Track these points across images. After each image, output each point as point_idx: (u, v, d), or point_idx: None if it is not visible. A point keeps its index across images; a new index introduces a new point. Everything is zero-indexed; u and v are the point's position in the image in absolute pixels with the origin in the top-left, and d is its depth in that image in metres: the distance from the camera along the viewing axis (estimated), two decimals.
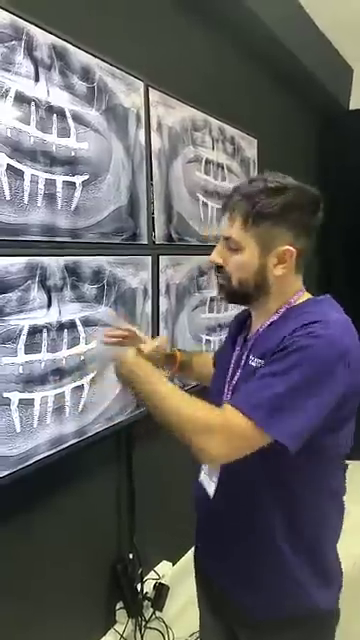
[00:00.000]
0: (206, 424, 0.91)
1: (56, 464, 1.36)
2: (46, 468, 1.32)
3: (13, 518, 1.31)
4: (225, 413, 0.91)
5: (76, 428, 1.42)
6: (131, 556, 1.77)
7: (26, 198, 1.21)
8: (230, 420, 0.89)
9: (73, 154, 1.35)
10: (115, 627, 1.75)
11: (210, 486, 1.05)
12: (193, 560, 1.23)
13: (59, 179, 1.31)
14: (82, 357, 1.42)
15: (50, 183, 1.28)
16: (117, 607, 1.76)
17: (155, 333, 1.76)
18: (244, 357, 1.03)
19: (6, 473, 1.20)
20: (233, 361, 1.06)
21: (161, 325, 1.79)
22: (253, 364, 0.98)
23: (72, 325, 1.38)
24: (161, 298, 1.79)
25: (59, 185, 1.31)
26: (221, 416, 0.91)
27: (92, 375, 1.47)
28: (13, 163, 1.17)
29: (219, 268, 1.03)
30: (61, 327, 1.33)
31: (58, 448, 1.36)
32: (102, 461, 1.64)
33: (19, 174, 1.19)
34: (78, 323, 1.40)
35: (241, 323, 1.14)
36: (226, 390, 1.05)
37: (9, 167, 1.16)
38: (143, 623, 1.82)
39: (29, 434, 1.26)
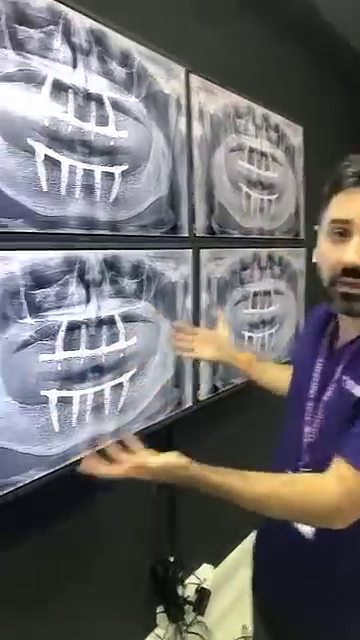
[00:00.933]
0: (323, 508, 0.80)
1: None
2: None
3: (52, 520, 1.28)
4: (341, 479, 0.78)
5: (115, 427, 1.38)
6: (172, 559, 1.72)
7: (63, 190, 1.17)
8: (350, 487, 0.78)
9: (112, 143, 1.30)
10: (156, 631, 1.71)
11: (305, 526, 0.93)
12: (253, 588, 1.15)
13: (97, 169, 1.26)
14: (122, 354, 1.37)
15: (88, 174, 1.24)
16: (158, 610, 1.72)
17: None
18: (336, 373, 0.90)
19: (45, 473, 1.17)
20: (318, 373, 0.94)
21: (202, 321, 1.72)
22: (349, 388, 0.86)
23: (111, 321, 1.33)
24: (202, 293, 1.72)
25: (97, 176, 1.26)
26: (334, 485, 0.79)
27: (132, 372, 1.42)
28: (50, 153, 1.13)
29: (352, 272, 0.84)
30: (100, 323, 1.29)
31: (97, 448, 1.32)
32: None
33: (56, 165, 1.15)
34: (117, 319, 1.35)
35: (322, 323, 1.01)
36: (311, 409, 0.94)
37: (46, 157, 1.12)
38: (184, 627, 1.77)
39: (68, 433, 1.23)
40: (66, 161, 1.17)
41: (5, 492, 1.08)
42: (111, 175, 1.31)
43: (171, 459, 0.90)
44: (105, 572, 1.49)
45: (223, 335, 1.38)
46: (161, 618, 1.73)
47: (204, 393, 1.77)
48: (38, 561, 1.26)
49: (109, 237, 1.31)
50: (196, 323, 1.69)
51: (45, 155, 1.12)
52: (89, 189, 1.24)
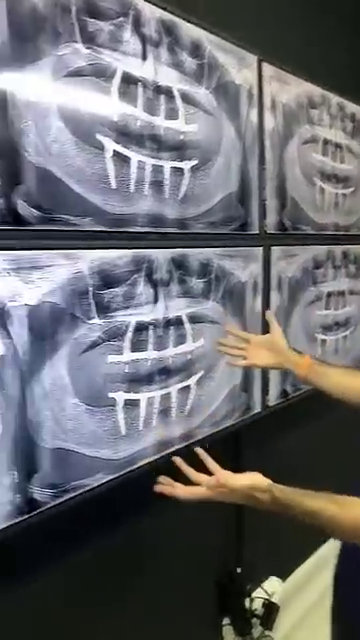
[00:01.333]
0: None
1: (161, 469, 1.27)
2: (150, 473, 1.24)
3: (117, 525, 1.25)
4: None
5: (182, 432, 1.33)
6: (239, 570, 1.65)
7: (132, 186, 1.14)
8: None
9: (181, 137, 1.25)
10: None
11: None
12: (333, 617, 1.06)
13: (167, 165, 1.22)
14: (189, 356, 1.32)
15: (157, 169, 1.19)
16: (224, 622, 1.66)
17: (266, 331, 1.61)
18: None
19: (111, 477, 1.14)
20: None
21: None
22: None
23: (179, 322, 1.28)
24: (272, 293, 1.64)
25: (166, 171, 1.22)
26: None
27: (199, 375, 1.37)
28: (119, 149, 1.10)
29: None
30: (167, 324, 1.25)
31: (164, 452, 1.28)
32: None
33: (125, 160, 1.12)
34: (185, 320, 1.30)
35: None
36: None
37: (115, 153, 1.09)
38: None
39: (135, 437, 1.19)
40: (135, 157, 1.14)
41: (72, 495, 1.06)
42: (180, 170, 1.26)
43: (256, 481, 0.83)
44: (170, 581, 1.44)
45: (279, 339, 1.27)
46: (227, 630, 1.66)
47: (273, 398, 1.69)
48: (101, 567, 1.23)
49: (177, 235, 1.27)
50: (265, 325, 1.60)
51: (114, 151, 1.09)
52: (158, 185, 1.20)
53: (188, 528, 1.49)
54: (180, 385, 1.31)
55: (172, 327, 1.26)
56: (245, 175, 1.48)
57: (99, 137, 1.06)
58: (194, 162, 1.29)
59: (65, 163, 0.99)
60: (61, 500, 1.04)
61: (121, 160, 1.11)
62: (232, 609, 1.65)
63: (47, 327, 0.98)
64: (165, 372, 1.26)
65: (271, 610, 1.77)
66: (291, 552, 2.00)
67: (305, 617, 1.96)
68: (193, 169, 1.29)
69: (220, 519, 1.64)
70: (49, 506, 1.01)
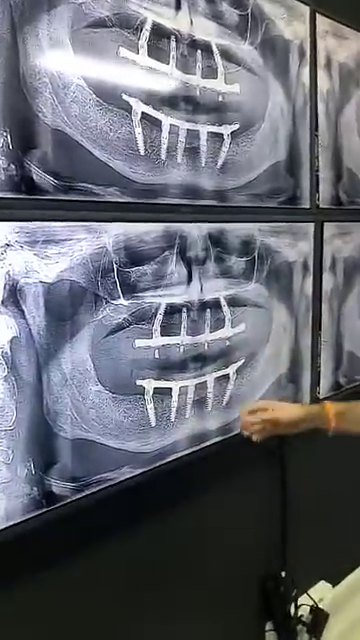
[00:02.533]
0: None
1: (196, 464, 1.18)
2: (184, 468, 1.15)
3: (146, 523, 1.16)
4: None
5: (220, 424, 1.22)
6: (283, 574, 1.53)
7: (164, 153, 1.03)
8: None
9: (221, 99, 1.13)
10: None
11: None
12: None
13: (203, 130, 1.10)
14: (227, 342, 1.21)
15: (192, 135, 1.08)
16: (267, 628, 1.55)
17: (317, 318, 1.46)
18: None
19: (139, 472, 1.05)
20: None
21: (324, 308, 1.49)
22: None
23: (216, 305, 1.17)
24: (325, 275, 1.48)
25: (203, 137, 1.10)
26: None
27: (239, 364, 1.25)
28: (149, 111, 0.99)
29: None
30: (203, 307, 1.14)
31: (199, 446, 1.17)
32: (250, 463, 1.42)
33: (156, 124, 1.01)
34: (223, 302, 1.18)
35: None
36: None
37: (144, 116, 0.98)
38: None
39: (165, 429, 1.10)
40: (167, 120, 1.02)
41: (95, 490, 0.98)
42: (219, 136, 1.14)
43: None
44: (208, 583, 1.35)
45: (283, 412, 1.04)
46: (270, 636, 1.55)
47: (324, 390, 1.54)
48: (129, 568, 1.15)
49: (215, 208, 1.15)
50: (316, 311, 1.46)
51: (142, 113, 0.98)
52: (193, 153, 1.08)
53: (227, 527, 1.39)
54: (217, 374, 1.20)
55: (208, 310, 1.15)
56: (295, 143, 1.33)
57: (125, 97, 0.95)
58: (235, 127, 1.16)
59: (86, 126, 0.90)
60: (82, 495, 0.96)
61: (151, 124, 1.00)
62: (276, 615, 1.54)
63: (66, 307, 0.90)
64: (200, 359, 1.15)
65: (319, 617, 1.64)
66: (343, 555, 1.85)
67: (356, 626, 1.81)
68: (234, 135, 1.17)
69: (264, 518, 1.52)
70: (69, 500, 0.94)
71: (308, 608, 1.63)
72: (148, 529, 1.17)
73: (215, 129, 1.12)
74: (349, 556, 1.90)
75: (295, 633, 1.56)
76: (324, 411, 1.00)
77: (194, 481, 1.25)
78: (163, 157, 1.03)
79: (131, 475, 1.04)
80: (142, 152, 0.99)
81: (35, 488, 0.89)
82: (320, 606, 1.66)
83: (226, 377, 1.22)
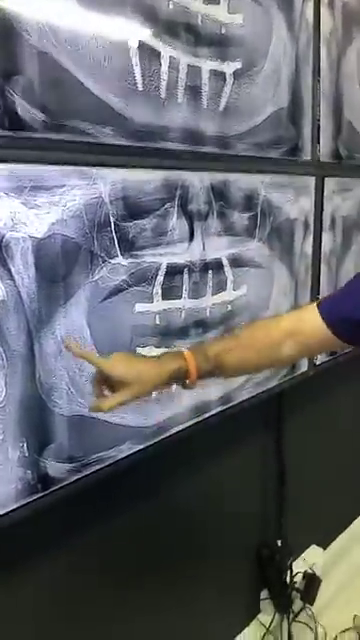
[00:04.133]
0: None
1: (196, 437, 1.10)
2: (185, 440, 1.07)
3: (148, 495, 1.09)
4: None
5: (221, 394, 1.14)
6: (279, 543, 1.50)
7: (163, 91, 0.90)
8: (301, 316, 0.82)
9: (223, 31, 1.00)
10: (259, 617, 1.53)
11: None
12: None
13: (205, 66, 0.97)
14: (229, 306, 1.12)
15: (193, 71, 0.95)
16: (262, 596, 1.53)
17: (316, 280, 1.38)
18: None
19: (141, 447, 0.97)
20: None
21: (323, 269, 1.41)
22: None
23: (218, 265, 1.07)
24: (324, 234, 1.40)
25: (205, 74, 0.97)
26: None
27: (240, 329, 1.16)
28: (146, 39, 0.85)
29: None
30: (205, 267, 1.04)
31: (200, 418, 1.09)
32: (248, 432, 1.36)
33: (154, 55, 0.87)
34: (225, 263, 1.09)
35: None
36: None
37: (141, 45, 0.85)
38: (291, 616, 1.56)
39: (167, 400, 1.01)
40: (166, 51, 0.89)
41: (94, 469, 0.89)
42: (221, 75, 1.01)
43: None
44: (205, 552, 1.30)
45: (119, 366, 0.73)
46: (265, 604, 1.53)
47: (321, 357, 1.48)
48: (133, 540, 1.08)
49: (217, 156, 1.03)
50: (316, 272, 1.38)
51: (140, 42, 0.85)
52: (195, 92, 0.96)
53: (225, 496, 1.34)
54: None
55: (210, 271, 1.05)
56: (297, 87, 1.22)
57: (120, 21, 0.81)
58: (238, 65, 1.04)
59: (78, 53, 0.76)
60: (81, 475, 0.87)
61: (149, 54, 0.86)
62: (271, 583, 1.51)
63: (59, 266, 0.78)
64: (201, 324, 1.05)
65: (312, 583, 1.63)
66: (332, 518, 1.85)
67: (345, 588, 1.82)
68: (237, 74, 1.04)
69: (260, 487, 1.48)
70: (67, 483, 0.85)
71: (301, 574, 1.62)
72: (149, 505, 1.09)
73: (217, 66, 0.99)
74: (338, 519, 1.91)
75: (290, 601, 1.55)
76: (184, 365, 0.75)
77: (194, 453, 1.18)
78: (163, 95, 0.90)
79: (131, 451, 0.95)
80: (140, 87, 0.86)
81: (29, 471, 0.79)
82: (313, 571, 1.65)
83: None
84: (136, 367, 0.73)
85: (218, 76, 1.00)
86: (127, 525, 1.05)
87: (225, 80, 1.02)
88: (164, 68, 0.89)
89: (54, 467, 0.83)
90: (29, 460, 0.79)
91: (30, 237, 0.73)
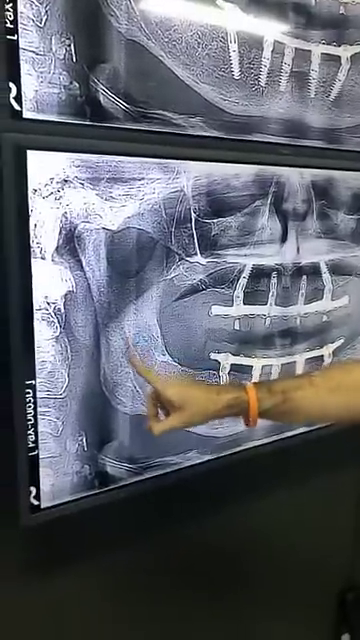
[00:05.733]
0: None
1: (276, 454, 1.01)
2: (262, 458, 0.99)
3: (212, 515, 1.03)
4: None
5: None
6: None
7: (264, 78, 0.83)
8: None
9: (342, 11, 0.89)
10: None
11: None
12: None
13: (316, 50, 0.88)
14: (325, 317, 1.01)
15: (302, 56, 0.86)
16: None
17: None
18: None
19: (208, 458, 0.91)
20: None
21: None
22: None
23: (315, 271, 0.97)
24: None
25: (315, 59, 0.88)
26: None
27: (337, 344, 1.05)
28: (246, 21, 0.79)
29: None
30: (298, 272, 0.94)
31: (281, 435, 1.00)
32: (340, 458, 1.23)
33: (255, 39, 0.81)
34: (323, 269, 0.98)
35: None
36: None
37: (241, 29, 0.79)
38: None
39: None
40: (270, 34, 0.82)
41: (156, 474, 0.85)
42: (336, 59, 0.91)
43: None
44: (278, 586, 1.20)
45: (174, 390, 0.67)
46: None
47: None
48: (193, 558, 1.03)
49: (324, 151, 0.93)
50: None
51: (239, 26, 0.78)
52: (301, 79, 0.87)
53: (306, 528, 1.22)
54: (309, 354, 1.00)
55: (304, 277, 0.95)
56: None
57: (218, 1, 0.76)
58: (358, 48, 0.93)
59: (167, 38, 0.72)
60: (141, 478, 0.84)
61: (249, 39, 0.80)
62: (354, 630, 1.36)
63: (132, 261, 0.76)
64: (290, 335, 0.96)
65: None
66: None
67: None
68: (355, 59, 0.93)
69: (351, 522, 1.33)
70: (125, 483, 0.82)
71: None
72: (214, 522, 1.03)
73: (331, 50, 0.89)
74: None
75: None
76: (244, 396, 0.65)
77: (271, 474, 1.09)
78: (262, 83, 0.83)
79: (199, 461, 0.90)
80: (237, 75, 0.80)
81: (87, 466, 0.78)
82: None
83: (320, 359, 1.02)
84: (189, 392, 0.66)
85: (332, 61, 0.90)
86: (189, 541, 1.00)
87: (340, 65, 0.91)
88: (266, 53, 0.82)
89: (113, 465, 0.81)
90: (88, 455, 0.78)
91: (104, 229, 0.72)
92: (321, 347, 1.02)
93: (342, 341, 1.05)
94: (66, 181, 0.68)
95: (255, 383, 0.67)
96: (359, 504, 1.33)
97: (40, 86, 0.64)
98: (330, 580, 1.32)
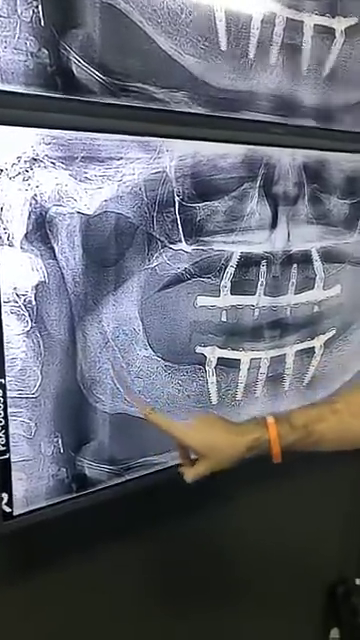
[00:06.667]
0: None
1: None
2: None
3: (204, 510, 0.99)
4: None
5: (298, 407, 0.99)
6: (358, 582, 1.32)
7: (252, 50, 0.77)
8: None
9: None
10: None
11: None
12: None
13: (309, 21, 0.82)
14: (317, 307, 0.96)
15: (293, 27, 0.80)
16: (332, 635, 1.36)
17: None
18: None
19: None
20: None
21: None
22: None
23: (306, 259, 0.92)
24: None
25: (308, 31, 0.82)
26: None
27: (329, 335, 1.00)
28: None
29: None
30: (289, 260, 0.89)
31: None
32: (330, 453, 1.19)
33: (243, 8, 0.74)
34: (315, 257, 0.93)
35: None
36: None
37: None
38: None
39: (230, 407, 0.89)
40: (260, 2, 0.76)
41: (139, 475, 0.81)
42: (330, 32, 0.85)
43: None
44: (269, 581, 1.17)
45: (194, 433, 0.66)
46: None
47: None
48: (184, 560, 0.99)
49: (317, 131, 0.88)
50: None
51: None
52: (293, 52, 0.81)
53: (298, 524, 1.19)
54: (300, 346, 0.96)
55: (295, 265, 0.90)
56: None
57: None
58: (353, 20, 0.87)
59: (147, 2, 0.66)
60: (123, 480, 0.79)
61: (237, 8, 0.74)
62: (343, 623, 1.34)
63: (110, 248, 0.70)
64: (280, 326, 0.92)
65: None
66: None
67: None
68: (350, 31, 0.87)
69: (342, 517, 1.31)
70: (106, 486, 0.77)
71: None
72: (201, 521, 0.99)
73: (325, 21, 0.83)
74: None
75: None
76: (265, 435, 0.64)
77: (262, 471, 1.05)
78: (251, 56, 0.77)
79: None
80: (224, 46, 0.74)
81: (64, 469, 0.73)
82: None
83: (311, 351, 0.98)
84: (211, 439, 0.65)
85: (325, 33, 0.84)
86: (177, 540, 0.96)
87: (334, 38, 0.85)
88: (255, 24, 0.76)
89: (92, 467, 0.76)
90: (64, 457, 0.73)
91: (79, 213, 0.66)
92: (312, 339, 0.97)
93: (334, 332, 1.01)
94: (35, 160, 0.61)
95: (276, 418, 0.64)
96: (348, 497, 1.30)
97: (4, 52, 0.58)
98: (319, 574, 1.30)
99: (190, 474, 0.66)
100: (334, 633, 1.37)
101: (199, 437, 0.65)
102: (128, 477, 0.80)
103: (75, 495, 0.75)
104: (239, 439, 0.64)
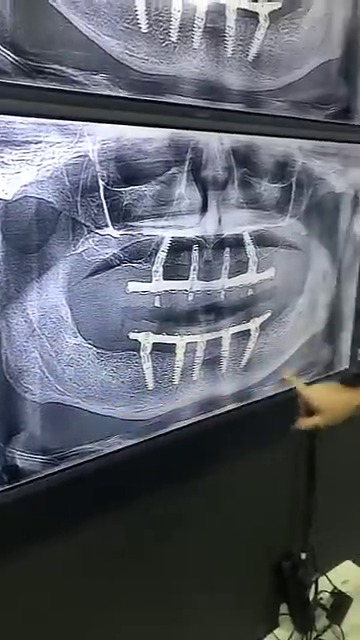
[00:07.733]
0: None
1: (205, 435, 0.99)
2: (190, 440, 0.96)
3: (141, 500, 0.99)
4: None
5: (236, 389, 1.01)
6: (304, 556, 1.36)
7: (175, 33, 0.76)
8: None
9: None
10: (276, 632, 1.40)
11: None
12: None
13: (232, 4, 0.82)
14: (251, 290, 0.98)
15: (216, 10, 0.80)
16: (281, 611, 1.40)
17: None
18: None
19: (133, 442, 0.87)
20: None
21: None
22: None
23: (238, 242, 0.93)
24: None
25: (231, 15, 0.82)
26: None
27: (264, 317, 1.02)
28: None
29: None
30: (221, 244, 0.90)
31: (209, 414, 0.98)
32: (272, 433, 1.22)
33: None
34: (247, 240, 0.94)
35: None
36: None
37: None
38: (314, 635, 1.42)
39: (167, 392, 0.90)
40: None
41: (74, 464, 0.80)
42: (254, 16, 0.85)
43: None
44: (216, 561, 1.19)
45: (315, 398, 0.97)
46: (284, 619, 1.41)
47: None
48: (128, 547, 0.99)
49: (243, 115, 0.88)
50: None
51: None
52: (216, 36, 0.81)
53: (243, 503, 1.21)
54: (236, 329, 0.97)
55: (227, 249, 0.91)
56: (353, 35, 1.03)
57: None
58: (276, 4, 0.88)
59: None
60: (57, 469, 0.78)
61: None
62: (291, 598, 1.38)
63: (32, 234, 0.68)
64: (214, 310, 0.93)
65: (341, 602, 1.48)
66: None
67: None
68: (273, 16, 0.88)
69: (286, 494, 1.34)
70: (39, 476, 0.77)
71: (329, 590, 1.48)
72: (143, 507, 0.99)
73: (248, 4, 0.84)
74: None
75: (312, 620, 1.41)
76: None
77: (202, 454, 1.07)
78: (174, 38, 0.77)
79: (121, 447, 0.86)
80: (144, 28, 0.73)
81: None
82: (343, 589, 1.50)
83: (246, 333, 1.00)
84: (331, 398, 0.93)
85: (249, 18, 0.85)
86: (119, 529, 0.96)
87: (258, 23, 0.86)
88: (176, 5, 0.75)
89: (24, 458, 0.75)
90: None
91: None
92: (247, 321, 0.99)
93: (269, 314, 1.03)
94: None
95: None
96: (294, 476, 1.34)
97: None
98: (267, 552, 1.33)
99: (308, 422, 0.91)
100: (283, 608, 1.41)
101: (322, 396, 0.92)
102: (63, 466, 0.79)
103: (7, 487, 0.74)
104: (351, 400, 0.89)
